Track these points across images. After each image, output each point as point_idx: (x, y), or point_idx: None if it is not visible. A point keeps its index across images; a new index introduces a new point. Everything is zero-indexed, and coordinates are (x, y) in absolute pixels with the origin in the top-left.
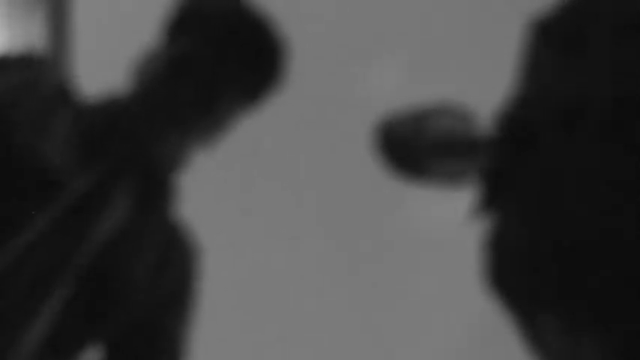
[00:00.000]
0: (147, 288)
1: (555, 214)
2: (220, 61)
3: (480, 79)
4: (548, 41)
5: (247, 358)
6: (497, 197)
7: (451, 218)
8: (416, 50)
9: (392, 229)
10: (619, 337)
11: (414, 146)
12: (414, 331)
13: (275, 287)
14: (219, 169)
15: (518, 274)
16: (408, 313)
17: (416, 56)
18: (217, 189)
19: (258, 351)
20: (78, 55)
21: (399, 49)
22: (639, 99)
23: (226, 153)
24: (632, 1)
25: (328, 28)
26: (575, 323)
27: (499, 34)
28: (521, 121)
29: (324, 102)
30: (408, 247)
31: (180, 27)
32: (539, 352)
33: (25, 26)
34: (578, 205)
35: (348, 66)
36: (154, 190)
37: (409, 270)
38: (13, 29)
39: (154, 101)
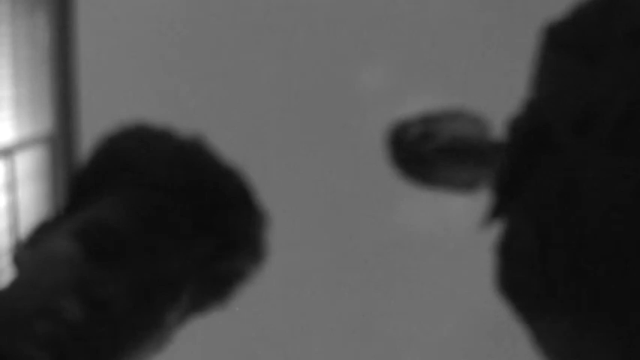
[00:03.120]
0: None
1: (566, 217)
2: (167, 237)
3: (474, 84)
4: (560, 47)
5: (248, 358)
6: (507, 201)
7: (457, 219)
8: (412, 52)
9: (391, 230)
10: (623, 336)
11: (424, 151)
12: (414, 331)
13: (276, 289)
14: None
15: (526, 275)
16: (408, 313)
17: (412, 58)
18: None
19: (258, 352)
20: (82, 52)
21: (391, 51)
22: None
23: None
24: None
25: (320, 31)
26: (580, 323)
27: (498, 39)
28: (534, 126)
29: (321, 103)
30: (408, 248)
31: (95, 182)
32: (545, 350)
33: (28, 23)
34: (589, 208)
35: (339, 68)
36: None
37: (411, 271)
38: (17, 26)
39: (46, 313)
